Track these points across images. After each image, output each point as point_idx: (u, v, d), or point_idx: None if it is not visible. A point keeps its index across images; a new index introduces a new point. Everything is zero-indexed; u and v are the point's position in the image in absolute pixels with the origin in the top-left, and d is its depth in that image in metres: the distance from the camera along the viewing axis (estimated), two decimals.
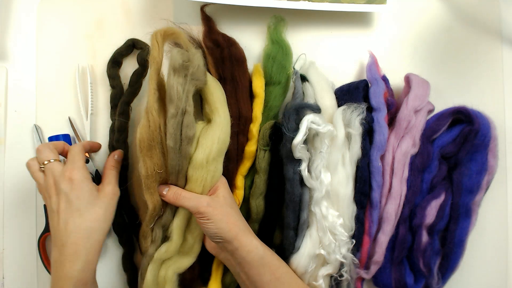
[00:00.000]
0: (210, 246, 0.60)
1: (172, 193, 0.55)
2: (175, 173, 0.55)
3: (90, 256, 0.52)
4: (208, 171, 0.55)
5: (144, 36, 0.66)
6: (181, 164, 0.54)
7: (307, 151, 0.59)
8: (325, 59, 0.68)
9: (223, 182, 0.58)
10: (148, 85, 0.53)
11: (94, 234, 0.53)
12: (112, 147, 0.64)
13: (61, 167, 0.54)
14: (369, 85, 0.64)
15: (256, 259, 0.54)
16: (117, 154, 0.61)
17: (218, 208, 0.54)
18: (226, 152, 0.60)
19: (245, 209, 0.63)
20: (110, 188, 0.57)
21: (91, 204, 0.54)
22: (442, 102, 0.66)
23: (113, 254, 0.66)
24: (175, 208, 0.58)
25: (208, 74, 0.58)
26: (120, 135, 0.63)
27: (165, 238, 0.60)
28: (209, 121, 0.58)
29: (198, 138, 0.56)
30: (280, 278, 0.55)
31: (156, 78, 0.53)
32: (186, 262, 0.60)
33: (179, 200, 0.54)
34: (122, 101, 0.64)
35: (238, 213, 0.57)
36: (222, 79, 0.62)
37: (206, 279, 0.62)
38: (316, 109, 0.60)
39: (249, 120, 0.62)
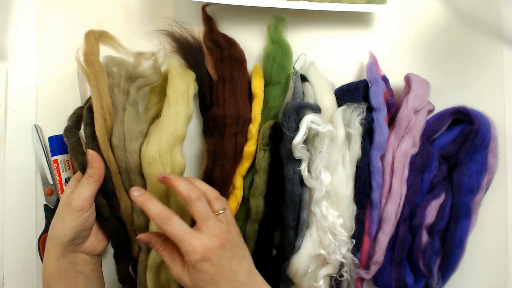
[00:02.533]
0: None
1: (158, 243, 0.51)
2: (125, 172, 0.55)
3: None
4: (163, 164, 0.55)
5: (144, 36, 0.66)
6: (129, 162, 0.54)
7: (307, 151, 0.59)
8: (325, 59, 0.68)
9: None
10: (91, 89, 0.55)
11: (48, 241, 0.53)
12: None
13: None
14: (369, 85, 0.64)
15: None
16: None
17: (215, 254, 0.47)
18: (225, 153, 0.61)
19: (245, 209, 0.63)
20: (67, 195, 0.53)
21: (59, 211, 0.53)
22: (442, 102, 0.66)
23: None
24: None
25: (173, 69, 0.59)
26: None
27: None
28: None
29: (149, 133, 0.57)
30: None
31: (98, 77, 0.55)
32: None
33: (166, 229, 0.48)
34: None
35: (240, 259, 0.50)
36: (221, 79, 0.62)
37: None
38: (316, 109, 0.60)
39: (248, 120, 0.62)
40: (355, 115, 0.60)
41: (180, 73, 0.59)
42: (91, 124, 0.55)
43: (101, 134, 0.54)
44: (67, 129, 0.56)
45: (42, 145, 0.65)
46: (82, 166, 0.54)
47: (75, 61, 0.55)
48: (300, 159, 0.58)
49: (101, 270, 0.58)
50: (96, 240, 0.55)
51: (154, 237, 0.51)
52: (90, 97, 0.57)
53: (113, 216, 0.56)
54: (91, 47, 0.55)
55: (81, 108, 0.59)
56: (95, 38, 0.55)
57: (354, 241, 0.60)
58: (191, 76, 0.61)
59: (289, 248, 0.60)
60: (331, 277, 0.62)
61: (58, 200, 0.65)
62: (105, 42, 0.57)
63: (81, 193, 0.52)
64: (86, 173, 0.53)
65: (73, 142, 0.55)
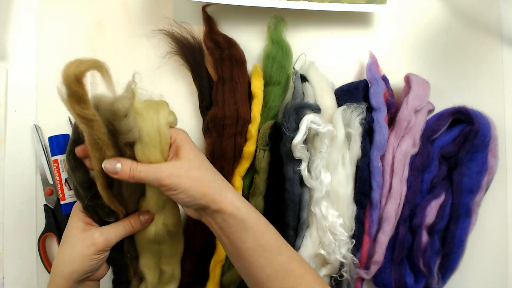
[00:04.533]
0: (190, 212, 0.53)
1: (126, 168, 0.46)
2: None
3: None
4: (146, 119, 0.47)
5: (144, 36, 0.66)
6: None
7: (307, 151, 0.59)
8: (325, 59, 0.68)
9: (183, 139, 0.49)
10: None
11: (55, 273, 0.50)
12: None
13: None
14: (369, 85, 0.64)
15: (237, 223, 0.47)
16: (146, 216, 0.54)
17: (184, 175, 0.46)
18: (224, 153, 0.60)
19: None
20: (95, 235, 0.51)
21: (65, 242, 0.51)
22: (442, 102, 0.66)
23: None
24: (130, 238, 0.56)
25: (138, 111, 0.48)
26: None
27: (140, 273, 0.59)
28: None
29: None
30: (265, 245, 0.46)
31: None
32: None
33: (135, 175, 0.46)
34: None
35: (210, 171, 0.49)
36: (221, 80, 0.62)
37: (204, 280, 0.62)
38: (316, 109, 0.60)
39: (247, 121, 0.62)
40: (355, 115, 0.60)
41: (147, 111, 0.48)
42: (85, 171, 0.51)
43: (103, 195, 0.50)
44: (69, 172, 0.52)
45: (42, 145, 0.65)
46: (87, 210, 0.52)
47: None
48: (300, 159, 0.58)
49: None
50: (103, 267, 0.55)
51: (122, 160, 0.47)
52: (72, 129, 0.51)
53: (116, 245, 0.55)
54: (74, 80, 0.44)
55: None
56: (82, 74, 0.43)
57: (354, 241, 0.60)
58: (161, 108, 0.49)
59: None
60: (331, 277, 0.62)
61: (58, 200, 0.64)
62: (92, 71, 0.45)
63: (111, 238, 0.51)
64: (130, 223, 0.53)
65: (75, 185, 0.51)
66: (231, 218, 0.47)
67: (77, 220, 0.52)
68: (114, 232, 0.52)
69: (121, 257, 0.56)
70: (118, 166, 0.46)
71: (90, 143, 0.45)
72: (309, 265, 0.49)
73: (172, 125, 0.50)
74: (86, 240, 0.50)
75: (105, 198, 0.50)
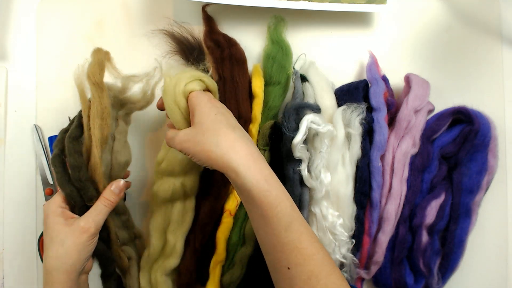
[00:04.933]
0: None
1: (167, 136, 0.51)
2: None
3: None
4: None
5: (144, 36, 0.66)
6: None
7: (307, 151, 0.59)
8: (325, 59, 0.68)
9: (196, 104, 0.49)
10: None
11: (54, 272, 0.50)
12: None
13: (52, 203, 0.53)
14: (369, 85, 0.64)
15: (242, 191, 0.45)
16: (114, 184, 0.55)
17: (191, 140, 0.47)
18: None
19: (245, 209, 0.63)
20: (81, 223, 0.51)
21: (53, 241, 0.50)
22: (442, 102, 0.66)
23: None
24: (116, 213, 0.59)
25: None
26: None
27: (135, 239, 0.62)
28: None
29: None
30: (273, 218, 0.44)
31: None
32: (171, 263, 0.59)
33: (168, 142, 0.51)
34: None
35: (214, 133, 0.46)
36: (222, 79, 0.62)
37: (204, 280, 0.62)
38: (316, 109, 0.60)
39: (248, 120, 0.62)
40: (355, 115, 0.60)
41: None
42: (79, 153, 0.53)
43: (96, 163, 0.52)
44: (54, 158, 0.54)
45: (42, 145, 0.65)
46: (69, 197, 0.53)
47: (74, 75, 0.53)
48: (300, 159, 0.58)
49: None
50: (90, 258, 0.55)
51: None
52: (74, 118, 0.55)
53: (100, 238, 0.55)
54: (98, 67, 0.54)
55: (65, 132, 0.56)
56: (103, 57, 0.55)
57: (354, 241, 0.60)
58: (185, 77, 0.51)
59: None
60: None
61: None
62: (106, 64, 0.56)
63: (98, 220, 0.52)
64: (106, 199, 0.53)
65: (61, 172, 0.53)
66: (236, 185, 0.45)
67: (55, 217, 0.51)
68: (97, 214, 0.52)
69: (106, 247, 0.56)
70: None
71: (97, 111, 0.52)
72: (322, 246, 0.46)
73: (194, 90, 0.51)
74: (75, 231, 0.50)
75: (98, 170, 0.53)
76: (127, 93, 0.60)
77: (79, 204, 0.53)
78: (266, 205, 0.44)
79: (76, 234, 0.50)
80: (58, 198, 0.53)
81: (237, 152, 0.45)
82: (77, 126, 0.54)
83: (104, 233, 0.55)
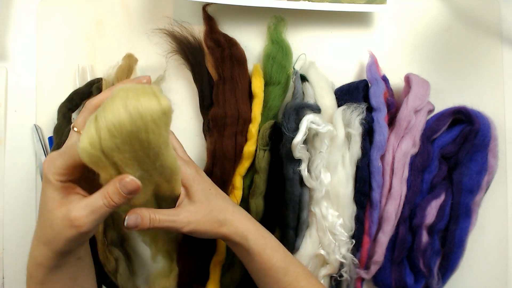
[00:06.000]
0: None
1: (146, 220, 0.44)
2: None
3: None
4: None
5: (143, 36, 0.66)
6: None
7: (307, 151, 0.59)
8: (325, 59, 0.68)
9: (190, 178, 0.49)
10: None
11: (43, 248, 0.43)
12: None
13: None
14: (369, 85, 0.64)
15: (244, 251, 0.51)
16: (121, 182, 0.40)
17: (201, 221, 0.48)
18: (225, 152, 0.60)
19: (245, 209, 0.63)
20: (72, 215, 0.40)
21: (44, 217, 0.42)
22: (442, 102, 0.66)
23: None
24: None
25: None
26: None
27: (124, 240, 0.60)
28: None
29: None
30: (272, 268, 0.50)
31: None
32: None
33: (155, 224, 0.45)
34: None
35: (219, 209, 0.50)
36: (222, 79, 0.62)
37: (204, 280, 0.62)
38: (316, 109, 0.60)
39: (248, 120, 0.62)
40: (355, 115, 0.60)
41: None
42: None
43: None
44: (56, 129, 0.54)
45: (42, 145, 0.65)
46: None
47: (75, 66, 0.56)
48: (300, 159, 0.58)
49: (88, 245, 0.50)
50: None
51: (139, 211, 0.45)
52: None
53: None
54: (127, 71, 0.59)
55: (66, 103, 0.59)
56: (133, 62, 0.61)
57: (354, 241, 0.60)
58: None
59: (289, 248, 0.60)
60: (331, 277, 0.62)
61: None
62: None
63: (92, 220, 0.41)
64: (109, 197, 0.40)
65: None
66: (239, 247, 0.51)
67: (52, 191, 0.42)
68: (92, 211, 0.41)
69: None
70: (138, 221, 0.44)
71: None
72: (317, 281, 0.53)
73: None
74: (64, 221, 0.40)
75: None
76: None
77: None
78: (265, 259, 0.50)
79: (65, 225, 0.40)
80: (60, 161, 0.41)
81: (239, 220, 0.51)
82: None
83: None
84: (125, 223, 0.44)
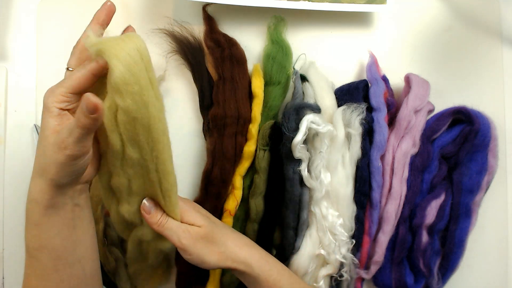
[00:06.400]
0: None
1: (156, 217, 0.48)
2: None
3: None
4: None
5: (143, 36, 0.66)
6: None
7: (307, 151, 0.59)
8: (325, 59, 0.68)
9: (192, 209, 0.51)
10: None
11: (38, 180, 0.42)
12: None
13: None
14: (369, 85, 0.64)
15: (251, 279, 0.51)
16: (85, 102, 0.38)
17: (206, 250, 0.49)
18: (225, 152, 0.60)
19: (244, 209, 0.63)
20: (58, 138, 0.41)
21: (41, 143, 0.42)
22: (442, 102, 0.66)
23: None
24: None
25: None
26: None
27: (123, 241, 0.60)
28: None
29: None
30: None
31: None
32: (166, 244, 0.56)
33: (160, 228, 0.48)
34: None
35: (224, 242, 0.51)
36: (222, 79, 0.62)
37: (204, 280, 0.62)
38: (316, 109, 0.60)
39: (248, 120, 0.62)
40: (355, 115, 0.60)
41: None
42: None
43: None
44: None
45: None
46: None
47: None
48: (300, 159, 0.58)
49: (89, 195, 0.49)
50: (90, 169, 0.46)
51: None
52: None
53: None
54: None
55: None
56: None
57: (354, 241, 0.60)
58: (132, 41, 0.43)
59: (289, 248, 0.60)
60: (331, 277, 0.62)
61: None
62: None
63: (71, 141, 0.40)
64: (78, 119, 0.39)
65: None
66: (245, 275, 0.51)
67: (49, 118, 0.42)
68: (69, 133, 0.40)
69: None
70: (153, 211, 0.48)
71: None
72: None
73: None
74: (54, 145, 0.41)
75: None
76: None
77: None
78: (272, 283, 0.51)
79: (55, 149, 0.41)
80: (61, 89, 0.43)
81: (241, 247, 0.52)
82: None
83: None
84: (142, 204, 0.48)
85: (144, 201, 0.48)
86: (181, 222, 0.50)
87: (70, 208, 0.45)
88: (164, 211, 0.49)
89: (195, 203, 0.55)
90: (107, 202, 0.50)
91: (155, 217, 0.48)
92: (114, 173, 0.46)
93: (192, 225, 0.50)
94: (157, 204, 0.49)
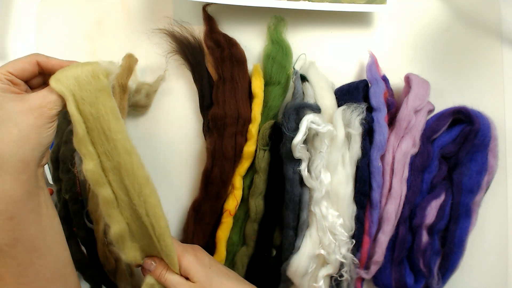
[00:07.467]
0: None
1: (158, 270, 0.50)
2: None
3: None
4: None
5: (143, 36, 0.66)
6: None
7: (307, 151, 0.59)
8: (325, 59, 0.68)
9: (191, 261, 0.51)
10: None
11: (9, 160, 0.40)
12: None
13: None
14: (369, 85, 0.64)
15: None
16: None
17: None
18: (225, 152, 0.60)
19: (245, 209, 0.63)
20: (35, 101, 0.41)
21: (5, 121, 0.40)
22: (442, 102, 0.66)
23: None
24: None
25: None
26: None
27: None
28: None
29: None
30: None
31: None
32: None
33: (161, 280, 0.50)
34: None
35: None
36: (221, 79, 0.62)
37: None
38: (316, 109, 0.60)
39: (247, 120, 0.62)
40: (355, 115, 0.60)
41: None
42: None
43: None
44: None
45: None
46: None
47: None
48: (300, 159, 0.58)
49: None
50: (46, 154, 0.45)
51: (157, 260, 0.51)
52: None
53: (85, 236, 0.56)
54: (127, 71, 0.60)
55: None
56: (133, 63, 0.62)
57: (354, 241, 0.60)
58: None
59: (289, 248, 0.60)
60: (331, 277, 0.62)
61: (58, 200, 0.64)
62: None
63: (49, 101, 0.42)
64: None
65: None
66: None
67: (2, 93, 0.41)
68: (47, 93, 0.41)
69: (85, 256, 0.58)
70: (153, 266, 0.50)
71: None
72: None
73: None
74: (32, 110, 0.40)
75: None
76: (136, 97, 0.63)
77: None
78: None
79: (34, 113, 0.40)
80: (4, 67, 0.43)
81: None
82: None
83: (90, 231, 0.56)
84: (143, 263, 0.51)
85: (144, 260, 0.51)
86: (180, 270, 0.50)
87: (36, 192, 0.43)
88: (162, 259, 0.50)
89: (198, 247, 0.55)
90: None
91: (156, 274, 0.50)
92: (113, 222, 0.48)
93: (188, 278, 0.50)
94: (155, 258, 0.51)
